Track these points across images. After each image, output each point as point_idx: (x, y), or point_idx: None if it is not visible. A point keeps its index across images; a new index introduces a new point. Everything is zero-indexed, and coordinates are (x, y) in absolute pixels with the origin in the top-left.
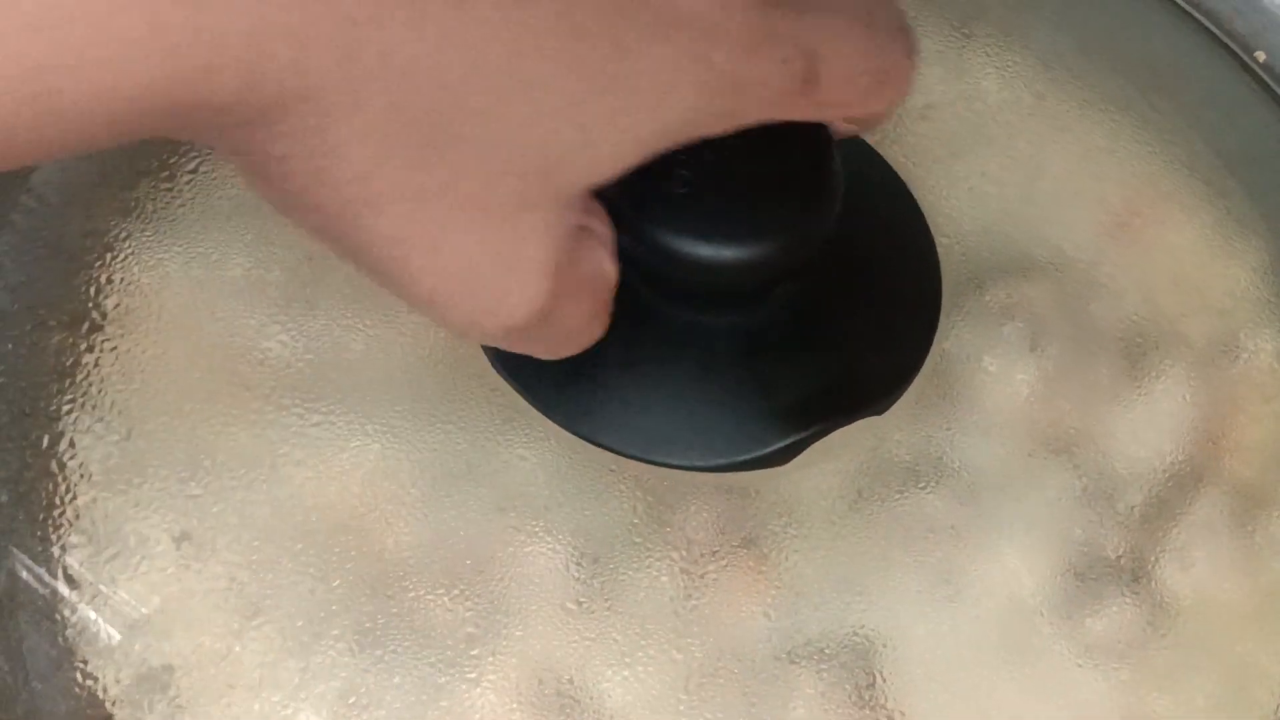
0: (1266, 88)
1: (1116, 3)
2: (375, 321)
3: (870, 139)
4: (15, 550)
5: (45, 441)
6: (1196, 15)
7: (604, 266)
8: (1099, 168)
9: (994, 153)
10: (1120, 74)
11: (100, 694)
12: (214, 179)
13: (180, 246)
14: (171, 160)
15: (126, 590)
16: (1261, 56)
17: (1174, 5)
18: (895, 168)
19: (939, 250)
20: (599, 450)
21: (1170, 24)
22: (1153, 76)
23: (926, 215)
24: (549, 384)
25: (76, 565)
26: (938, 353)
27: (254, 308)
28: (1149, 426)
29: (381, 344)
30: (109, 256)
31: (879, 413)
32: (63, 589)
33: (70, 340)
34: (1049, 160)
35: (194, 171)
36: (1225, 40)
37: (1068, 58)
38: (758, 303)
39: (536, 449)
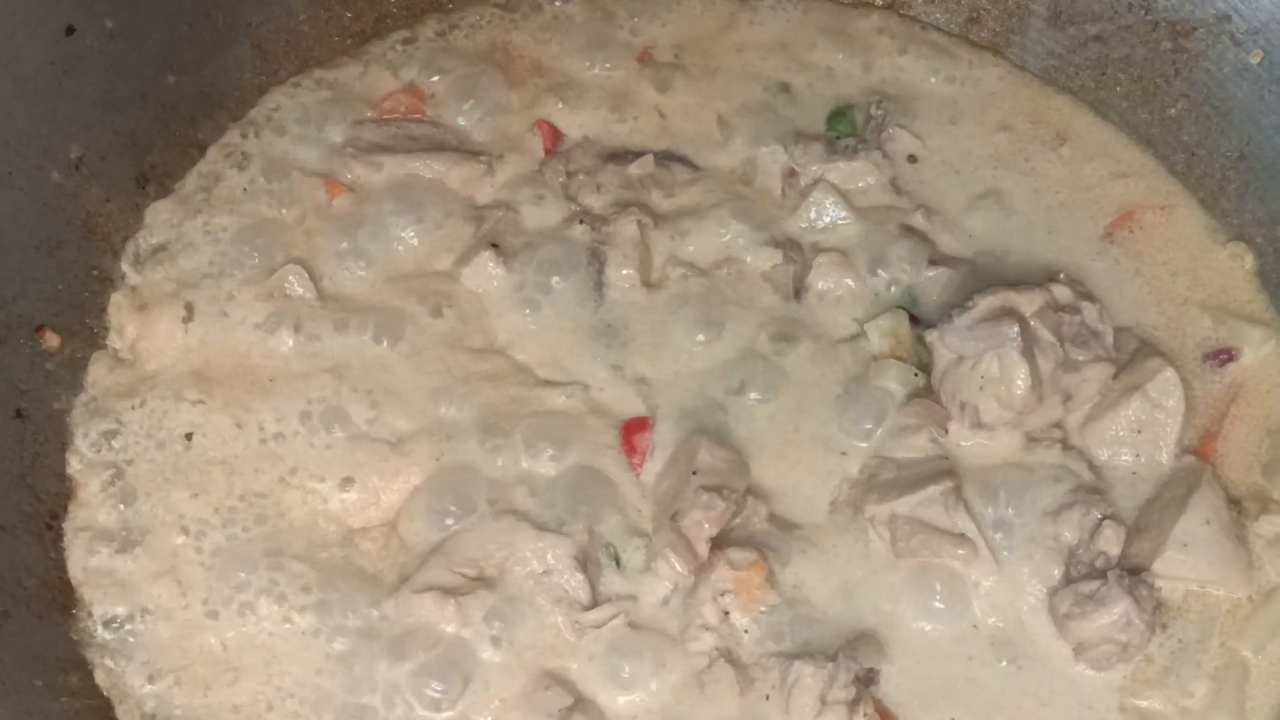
0: (1260, 89)
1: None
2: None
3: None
4: None
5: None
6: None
7: None
8: (1095, 174)
9: (996, 164)
10: (1113, 81)
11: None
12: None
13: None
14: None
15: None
16: (1258, 56)
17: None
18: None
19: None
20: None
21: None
22: (1142, 83)
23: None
24: None
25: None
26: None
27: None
28: (1145, 427)
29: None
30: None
31: None
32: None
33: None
34: (1047, 169)
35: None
36: (1221, 42)
37: (1063, 67)
38: None
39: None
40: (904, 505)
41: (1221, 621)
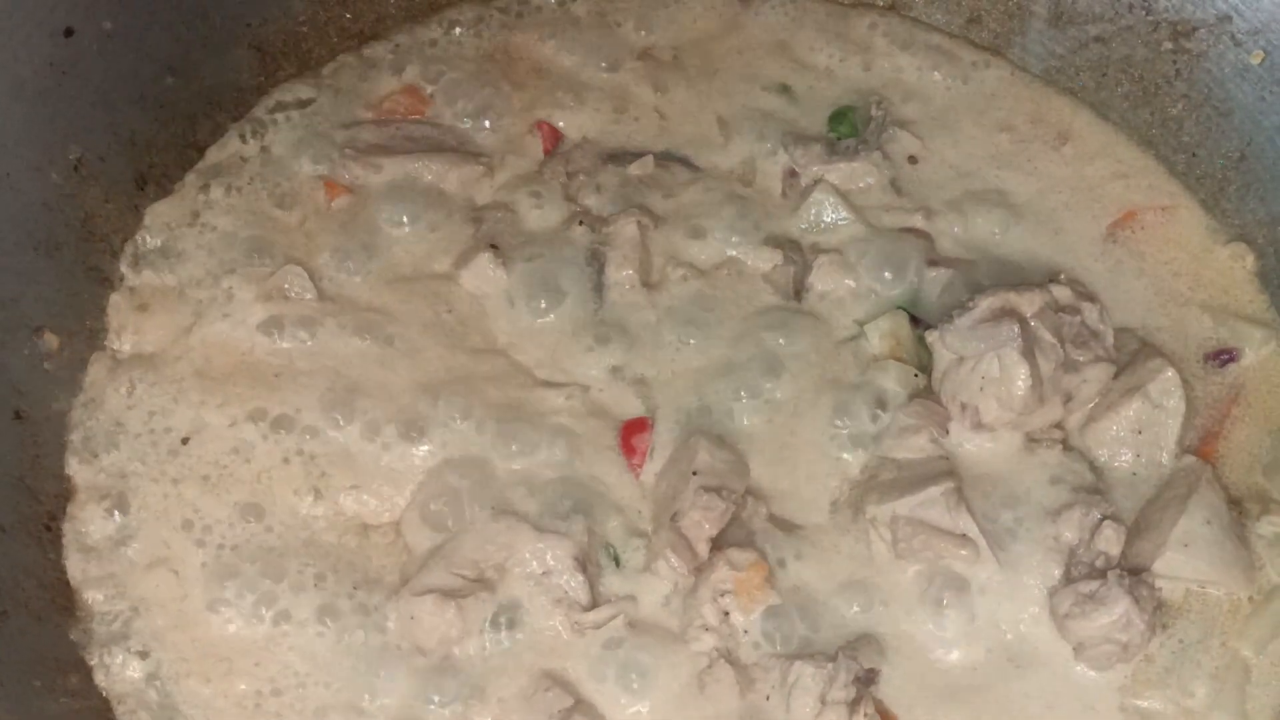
0: (1261, 90)
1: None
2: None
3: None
4: None
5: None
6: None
7: None
8: (1096, 175)
9: (998, 165)
10: (1113, 82)
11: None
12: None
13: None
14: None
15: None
16: (1259, 56)
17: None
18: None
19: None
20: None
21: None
22: (1143, 83)
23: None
24: None
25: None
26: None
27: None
28: (1146, 428)
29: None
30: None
31: None
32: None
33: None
34: (1048, 170)
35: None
36: (1222, 42)
37: (1064, 68)
38: None
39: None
40: (905, 506)
41: (1222, 621)
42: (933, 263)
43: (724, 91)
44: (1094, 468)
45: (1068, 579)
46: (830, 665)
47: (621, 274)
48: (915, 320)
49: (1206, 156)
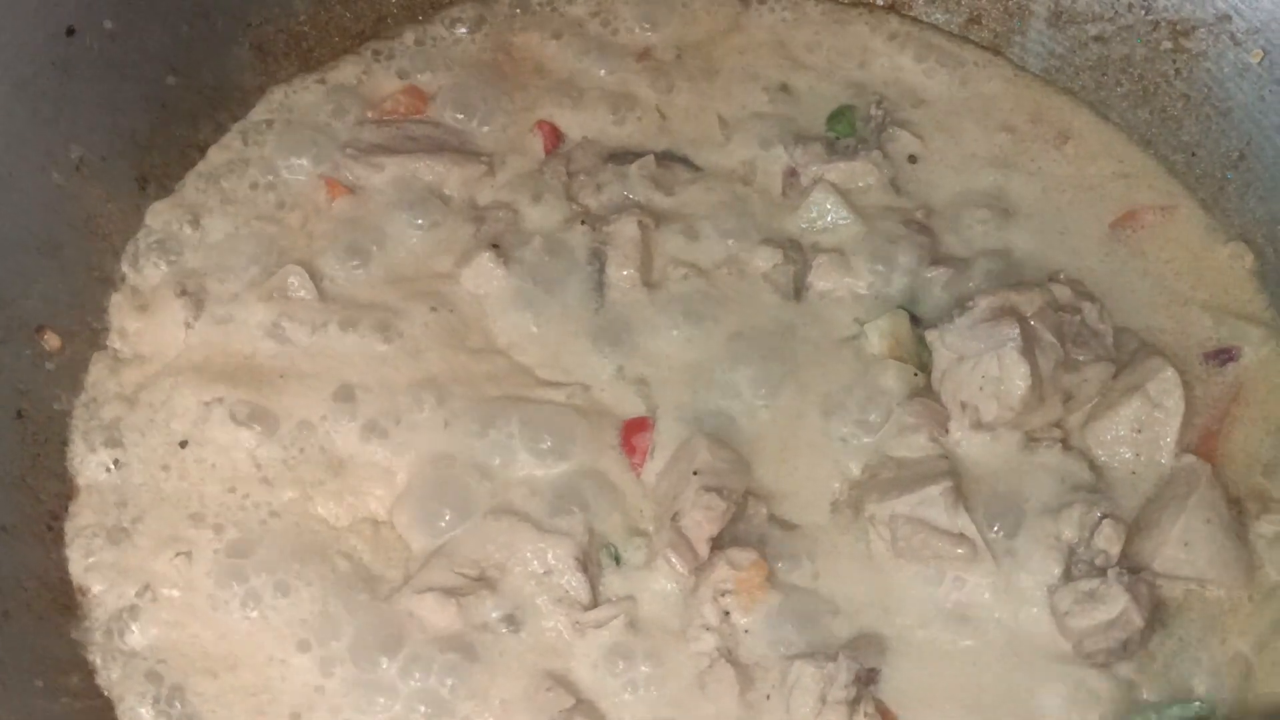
0: (1261, 89)
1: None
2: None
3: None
4: None
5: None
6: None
7: None
8: (1097, 174)
9: (998, 164)
10: (1113, 81)
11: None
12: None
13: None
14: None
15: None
16: (1259, 55)
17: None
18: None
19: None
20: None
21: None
22: (1143, 83)
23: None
24: None
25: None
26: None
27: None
28: (1146, 427)
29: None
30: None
31: None
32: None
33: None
34: (1049, 169)
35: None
36: (1222, 41)
37: (1064, 68)
38: None
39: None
40: (904, 505)
41: (1222, 620)
42: (933, 262)
43: (724, 91)
44: (1093, 467)
45: (1067, 577)
46: (830, 665)
47: (622, 273)
48: (915, 319)
49: (1206, 156)
